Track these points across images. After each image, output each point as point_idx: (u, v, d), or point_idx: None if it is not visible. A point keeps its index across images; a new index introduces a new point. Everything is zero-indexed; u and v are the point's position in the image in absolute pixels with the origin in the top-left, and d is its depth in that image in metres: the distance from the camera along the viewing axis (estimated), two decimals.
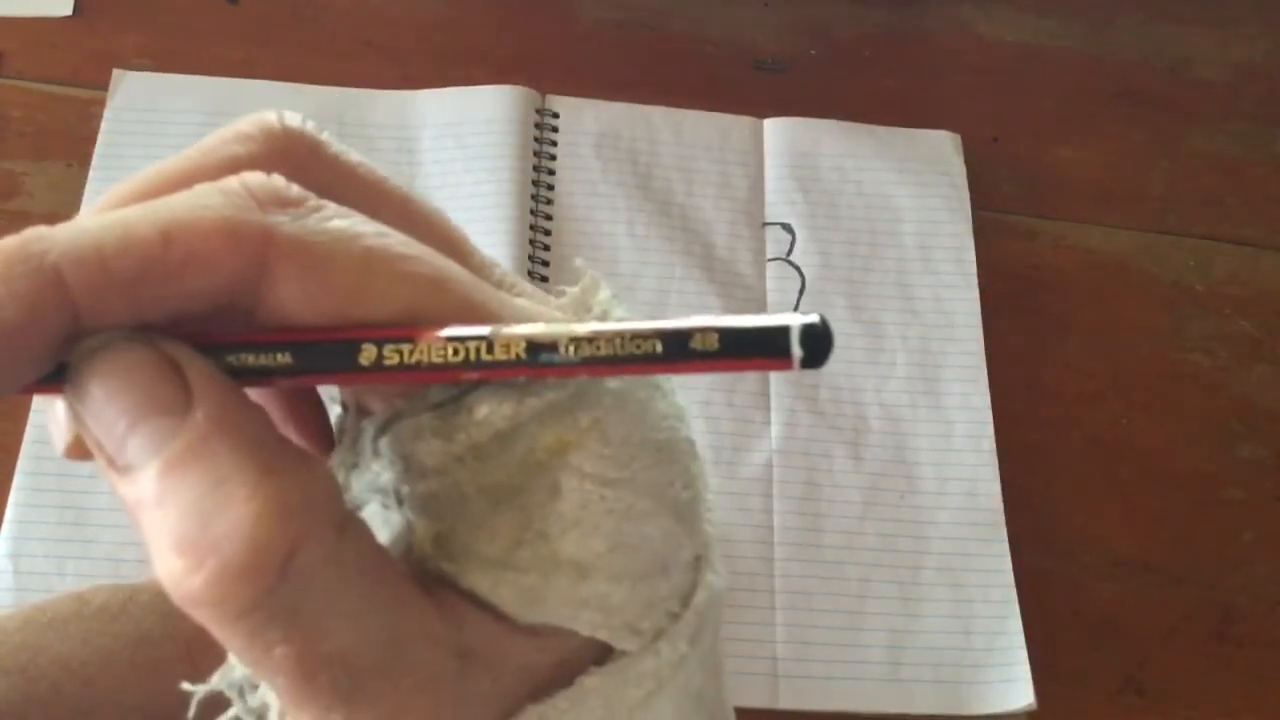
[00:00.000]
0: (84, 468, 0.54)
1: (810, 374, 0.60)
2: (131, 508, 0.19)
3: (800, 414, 0.60)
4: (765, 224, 0.65)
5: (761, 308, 0.62)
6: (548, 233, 0.63)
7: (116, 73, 0.64)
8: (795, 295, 0.63)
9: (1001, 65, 0.74)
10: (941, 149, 0.68)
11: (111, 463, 0.20)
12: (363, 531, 0.21)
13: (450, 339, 0.20)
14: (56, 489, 0.54)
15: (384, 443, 0.22)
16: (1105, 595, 0.58)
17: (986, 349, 0.62)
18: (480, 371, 0.20)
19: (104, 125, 0.63)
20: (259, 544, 0.18)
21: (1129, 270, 0.67)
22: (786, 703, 0.53)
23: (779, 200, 0.65)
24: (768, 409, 0.60)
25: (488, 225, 0.62)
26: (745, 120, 0.68)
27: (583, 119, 0.66)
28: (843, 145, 0.67)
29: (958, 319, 0.63)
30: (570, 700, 0.22)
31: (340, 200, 0.21)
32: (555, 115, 0.66)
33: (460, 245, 0.23)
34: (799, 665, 0.54)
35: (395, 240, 0.21)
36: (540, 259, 0.62)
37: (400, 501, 0.22)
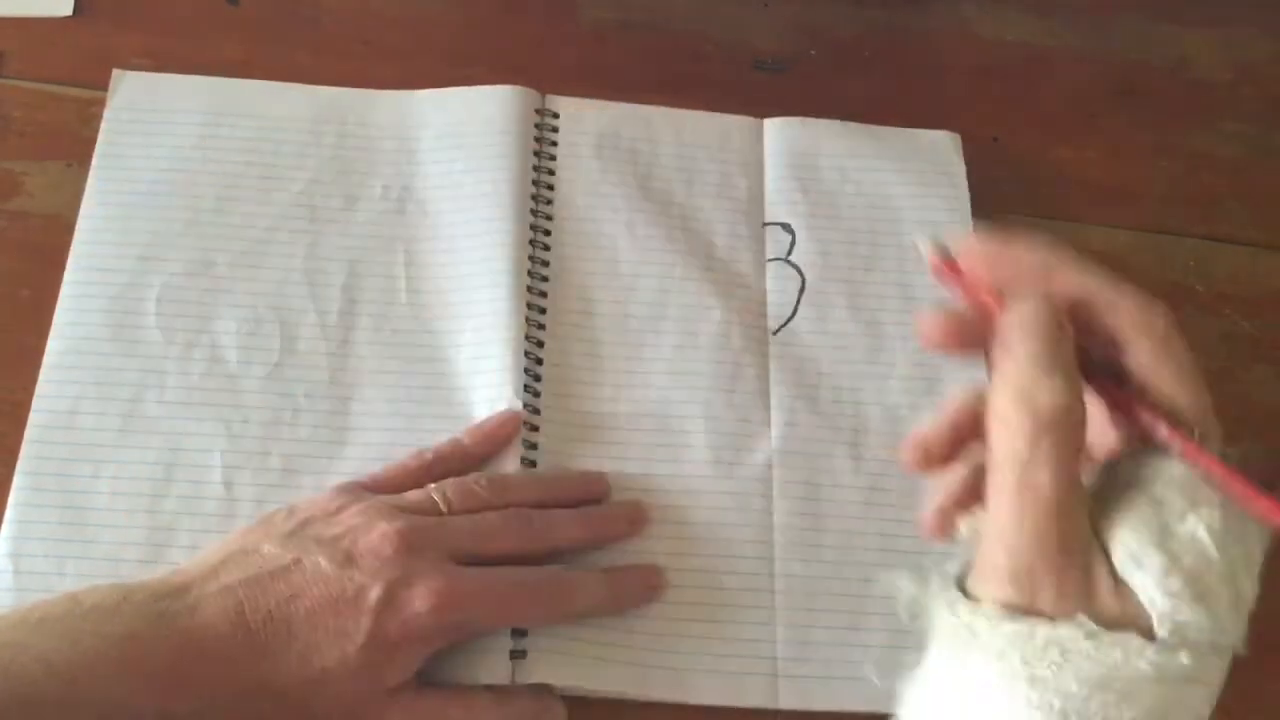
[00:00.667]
0: (84, 468, 0.54)
1: (810, 374, 0.60)
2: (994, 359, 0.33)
3: (800, 414, 0.60)
4: (765, 224, 0.65)
5: (761, 308, 0.62)
6: (548, 233, 0.63)
7: (116, 73, 0.64)
8: (795, 295, 0.63)
9: (1001, 65, 0.74)
10: (941, 149, 0.68)
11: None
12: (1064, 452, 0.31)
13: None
14: (56, 489, 0.54)
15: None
16: None
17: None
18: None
19: (104, 125, 0.63)
20: (1048, 407, 0.31)
21: (1129, 270, 0.67)
22: (786, 703, 0.53)
23: (779, 200, 0.65)
24: (767, 409, 0.60)
25: (488, 225, 0.62)
26: (745, 120, 0.68)
27: (583, 119, 0.66)
28: (843, 145, 0.67)
29: None
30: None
31: None
32: (555, 115, 0.66)
33: None
34: (799, 665, 0.54)
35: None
36: (540, 259, 0.62)
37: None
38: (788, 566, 0.56)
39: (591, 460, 0.58)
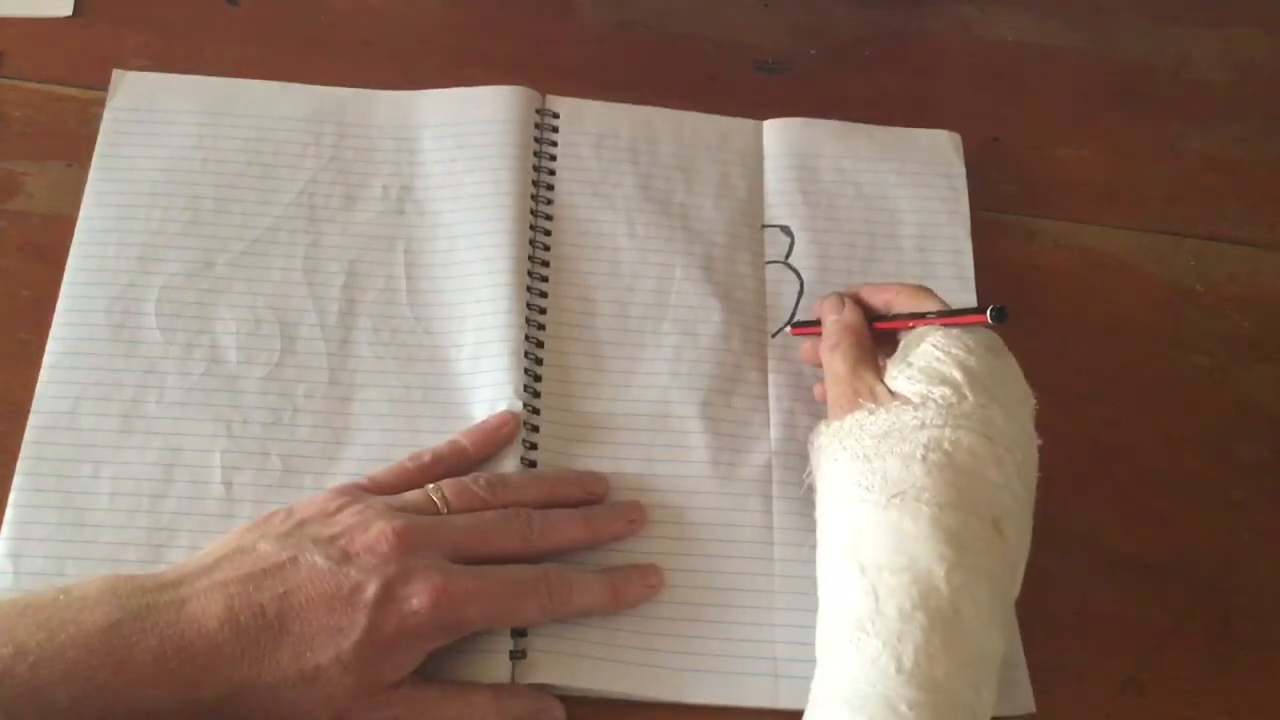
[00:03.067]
0: (84, 468, 0.54)
1: (809, 376, 0.61)
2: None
3: (799, 415, 0.60)
4: (765, 226, 0.65)
5: (761, 310, 0.62)
6: (548, 233, 0.63)
7: (116, 73, 0.64)
8: (794, 299, 0.63)
9: (1001, 65, 0.74)
10: (941, 149, 0.68)
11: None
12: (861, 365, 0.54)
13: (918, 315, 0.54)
14: (56, 489, 0.54)
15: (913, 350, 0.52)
16: (1105, 595, 0.58)
17: None
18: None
19: (104, 125, 0.63)
20: (843, 353, 0.55)
21: (1129, 270, 0.67)
22: (786, 703, 0.53)
23: (778, 201, 0.65)
24: (767, 410, 0.60)
25: (488, 225, 0.62)
26: (745, 121, 0.68)
27: (583, 119, 0.66)
28: (843, 145, 0.67)
29: None
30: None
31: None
32: (555, 116, 0.66)
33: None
34: (799, 665, 0.54)
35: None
36: (540, 259, 0.62)
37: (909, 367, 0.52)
38: (787, 567, 0.56)
39: (591, 460, 0.58)
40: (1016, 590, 0.50)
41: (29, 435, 0.55)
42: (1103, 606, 0.58)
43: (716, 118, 0.68)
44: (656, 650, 0.53)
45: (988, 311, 0.50)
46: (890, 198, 0.66)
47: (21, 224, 0.61)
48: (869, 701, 0.44)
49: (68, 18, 0.67)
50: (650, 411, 0.59)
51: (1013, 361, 0.52)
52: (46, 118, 0.64)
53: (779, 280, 0.63)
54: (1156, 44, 0.75)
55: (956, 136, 0.68)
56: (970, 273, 0.64)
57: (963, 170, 0.67)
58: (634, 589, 0.54)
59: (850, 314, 0.56)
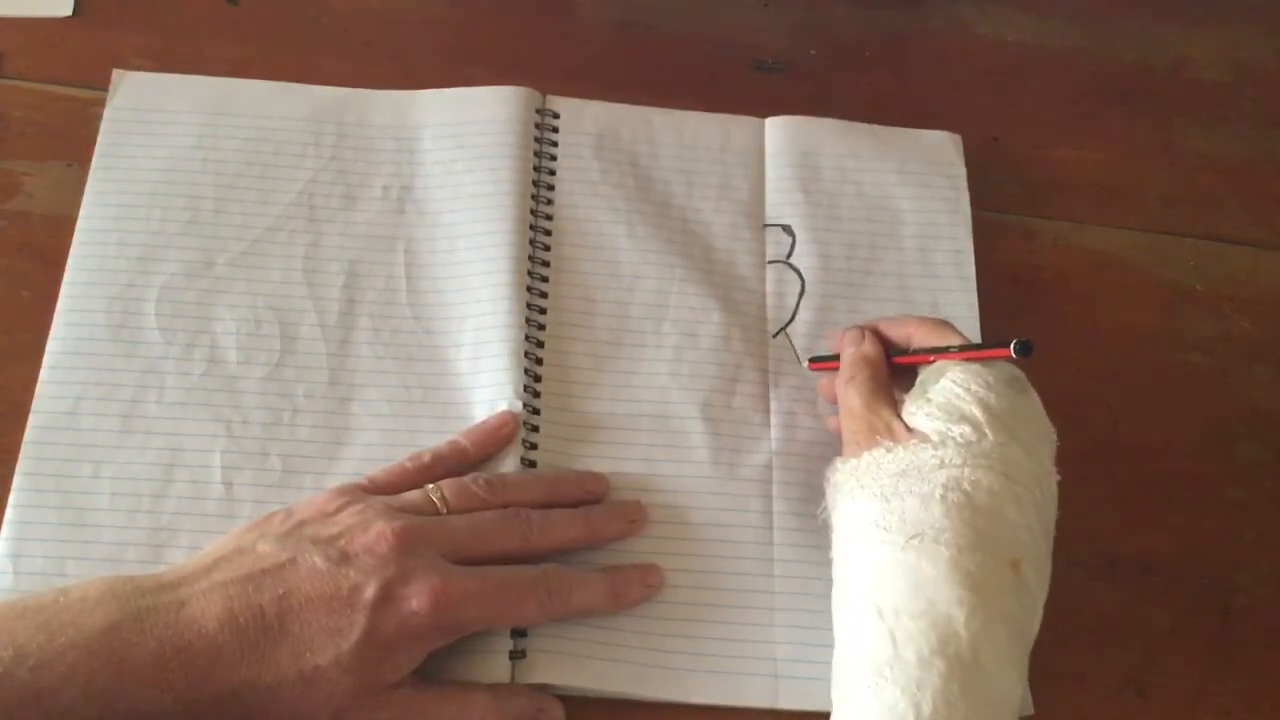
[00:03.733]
0: (84, 468, 0.54)
1: (810, 376, 0.61)
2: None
3: (800, 415, 0.60)
4: (766, 225, 0.65)
5: (761, 310, 0.62)
6: (548, 233, 0.63)
7: (116, 73, 0.64)
8: (795, 299, 0.63)
9: (1001, 65, 0.74)
10: (942, 149, 0.68)
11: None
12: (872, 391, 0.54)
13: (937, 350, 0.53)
14: (56, 489, 0.54)
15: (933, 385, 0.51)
16: (1105, 595, 0.58)
17: None
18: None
19: (104, 125, 0.63)
20: (858, 386, 0.54)
21: (1129, 270, 0.67)
22: (786, 703, 0.53)
23: (779, 201, 0.65)
24: (767, 410, 0.60)
25: (488, 225, 0.62)
26: (746, 121, 0.68)
27: (583, 119, 0.66)
28: (844, 145, 0.67)
29: (957, 320, 0.63)
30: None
31: None
32: (556, 116, 0.66)
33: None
34: (799, 665, 0.54)
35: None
36: (540, 259, 0.62)
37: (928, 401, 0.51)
38: (787, 567, 0.56)
39: (591, 460, 0.58)
40: (1035, 630, 0.49)
41: (29, 435, 0.55)
42: (1103, 606, 0.58)
43: (717, 116, 0.67)
44: (656, 650, 0.53)
45: (1011, 346, 0.49)
46: (891, 198, 0.66)
47: (21, 224, 0.61)
48: None
49: (68, 18, 0.67)
50: (650, 411, 0.59)
51: (1034, 397, 0.51)
52: (46, 118, 0.64)
53: (780, 280, 0.63)
54: (1156, 44, 0.75)
55: (957, 137, 0.68)
56: (971, 273, 0.64)
57: (964, 171, 0.67)
58: (634, 589, 0.54)
59: (869, 347, 0.55)
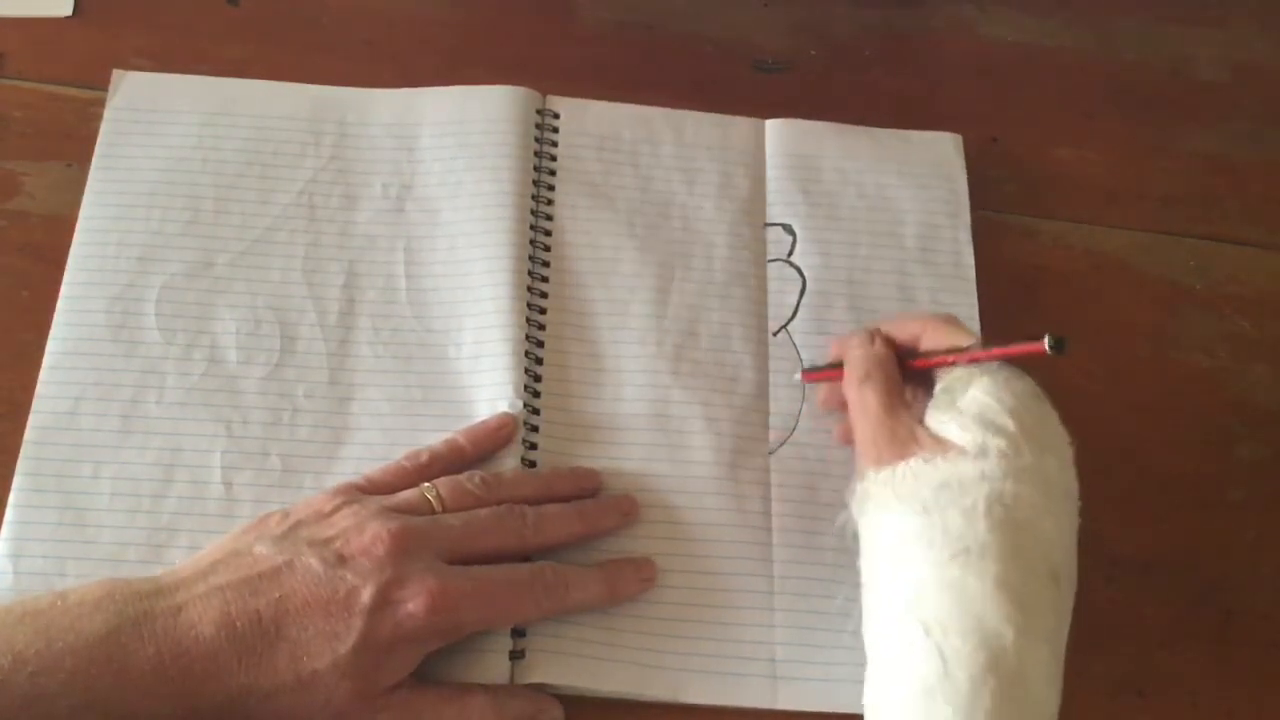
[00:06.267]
0: (84, 468, 0.54)
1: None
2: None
3: (800, 415, 0.60)
4: (766, 224, 0.65)
5: (762, 309, 0.62)
6: (548, 233, 0.63)
7: (116, 73, 0.64)
8: (795, 297, 0.63)
9: (1001, 65, 0.74)
10: (942, 150, 0.68)
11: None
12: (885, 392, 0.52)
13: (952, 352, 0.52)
14: (56, 489, 0.54)
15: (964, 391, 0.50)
16: (1105, 595, 0.58)
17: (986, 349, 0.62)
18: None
19: (104, 125, 0.63)
20: (874, 386, 0.52)
21: (1129, 270, 0.67)
22: (786, 703, 0.53)
23: (780, 201, 0.65)
24: (767, 411, 0.60)
25: (488, 225, 0.62)
26: (746, 121, 0.68)
27: (583, 120, 0.66)
28: (844, 146, 0.67)
29: None
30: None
31: None
32: (556, 116, 0.66)
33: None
34: (799, 666, 0.54)
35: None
36: (540, 259, 0.62)
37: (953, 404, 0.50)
38: (787, 568, 0.56)
39: (591, 460, 0.58)
40: (1065, 639, 0.48)
41: (29, 435, 0.55)
42: (1103, 606, 0.58)
43: (718, 116, 0.67)
44: (655, 650, 0.53)
45: (1044, 340, 0.47)
46: (892, 198, 0.66)
47: (21, 224, 0.61)
48: None
49: (68, 18, 0.67)
50: (650, 411, 0.59)
51: (1051, 408, 0.51)
52: (46, 118, 0.64)
53: (780, 279, 0.63)
54: (1156, 44, 0.75)
55: (958, 137, 0.68)
56: (971, 273, 0.64)
57: (964, 171, 0.67)
58: (630, 582, 0.54)
59: (881, 347, 0.54)
